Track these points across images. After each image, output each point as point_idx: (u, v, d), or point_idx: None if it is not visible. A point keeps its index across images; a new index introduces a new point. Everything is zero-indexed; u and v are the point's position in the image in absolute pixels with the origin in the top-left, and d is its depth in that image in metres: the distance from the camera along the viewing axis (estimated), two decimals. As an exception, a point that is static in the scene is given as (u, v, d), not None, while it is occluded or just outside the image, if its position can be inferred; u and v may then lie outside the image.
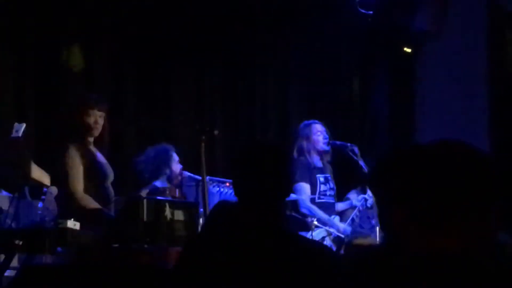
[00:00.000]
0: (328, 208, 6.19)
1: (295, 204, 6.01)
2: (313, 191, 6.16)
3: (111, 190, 5.09)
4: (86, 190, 4.93)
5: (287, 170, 2.56)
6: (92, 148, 5.12)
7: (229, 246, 2.45)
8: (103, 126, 5.11)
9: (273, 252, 2.42)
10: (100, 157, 5.16)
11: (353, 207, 6.36)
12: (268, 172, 2.49)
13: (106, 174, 5.09)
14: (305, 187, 6.11)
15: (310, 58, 7.77)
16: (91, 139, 5.10)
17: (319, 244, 2.93)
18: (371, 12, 7.33)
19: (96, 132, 5.08)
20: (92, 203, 4.86)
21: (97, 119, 5.07)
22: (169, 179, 5.86)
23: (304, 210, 6.02)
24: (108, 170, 5.14)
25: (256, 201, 2.49)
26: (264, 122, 7.64)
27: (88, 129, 5.04)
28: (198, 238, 2.87)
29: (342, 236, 6.00)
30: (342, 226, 6.08)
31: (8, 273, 4.18)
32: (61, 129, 5.23)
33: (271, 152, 2.55)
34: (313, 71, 7.84)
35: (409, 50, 7.61)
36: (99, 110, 5.08)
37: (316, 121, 6.35)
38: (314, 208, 6.06)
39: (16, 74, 6.51)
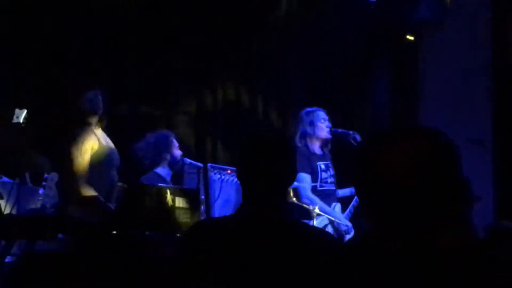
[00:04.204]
0: (329, 195, 6.17)
1: (296, 192, 5.99)
2: (315, 179, 6.13)
3: (116, 177, 5.08)
4: (90, 177, 4.91)
5: (293, 162, 2.57)
6: (99, 133, 5.09)
7: (232, 234, 2.45)
8: (104, 107, 5.09)
9: (276, 240, 2.42)
10: (108, 143, 5.14)
11: (353, 194, 6.34)
12: (274, 164, 2.51)
13: (111, 161, 5.07)
14: (306, 177, 6.08)
15: (312, 45, 7.73)
16: (94, 122, 5.06)
17: (322, 231, 2.92)
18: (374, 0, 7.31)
19: (96, 114, 5.04)
20: (89, 191, 4.84)
21: (93, 99, 5.03)
22: (170, 165, 5.85)
23: (305, 200, 5.99)
24: (115, 157, 5.13)
25: (260, 191, 2.49)
26: (266, 109, 7.61)
27: (86, 111, 5.00)
28: (200, 226, 2.87)
29: (345, 228, 5.99)
30: (344, 222, 6.06)
31: (8, 259, 4.18)
32: (65, 115, 5.22)
33: (277, 145, 2.57)
34: (314, 59, 7.81)
35: (411, 38, 7.58)
36: (92, 90, 5.05)
37: (319, 108, 6.32)
38: (315, 198, 6.03)
39: (14, 59, 6.50)
